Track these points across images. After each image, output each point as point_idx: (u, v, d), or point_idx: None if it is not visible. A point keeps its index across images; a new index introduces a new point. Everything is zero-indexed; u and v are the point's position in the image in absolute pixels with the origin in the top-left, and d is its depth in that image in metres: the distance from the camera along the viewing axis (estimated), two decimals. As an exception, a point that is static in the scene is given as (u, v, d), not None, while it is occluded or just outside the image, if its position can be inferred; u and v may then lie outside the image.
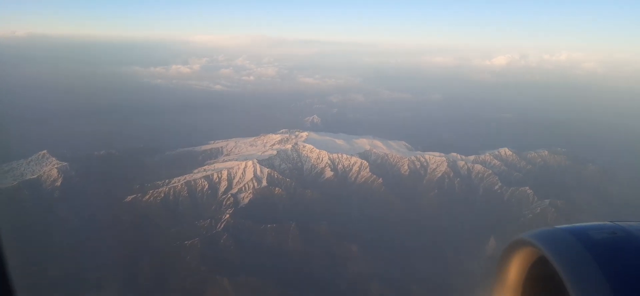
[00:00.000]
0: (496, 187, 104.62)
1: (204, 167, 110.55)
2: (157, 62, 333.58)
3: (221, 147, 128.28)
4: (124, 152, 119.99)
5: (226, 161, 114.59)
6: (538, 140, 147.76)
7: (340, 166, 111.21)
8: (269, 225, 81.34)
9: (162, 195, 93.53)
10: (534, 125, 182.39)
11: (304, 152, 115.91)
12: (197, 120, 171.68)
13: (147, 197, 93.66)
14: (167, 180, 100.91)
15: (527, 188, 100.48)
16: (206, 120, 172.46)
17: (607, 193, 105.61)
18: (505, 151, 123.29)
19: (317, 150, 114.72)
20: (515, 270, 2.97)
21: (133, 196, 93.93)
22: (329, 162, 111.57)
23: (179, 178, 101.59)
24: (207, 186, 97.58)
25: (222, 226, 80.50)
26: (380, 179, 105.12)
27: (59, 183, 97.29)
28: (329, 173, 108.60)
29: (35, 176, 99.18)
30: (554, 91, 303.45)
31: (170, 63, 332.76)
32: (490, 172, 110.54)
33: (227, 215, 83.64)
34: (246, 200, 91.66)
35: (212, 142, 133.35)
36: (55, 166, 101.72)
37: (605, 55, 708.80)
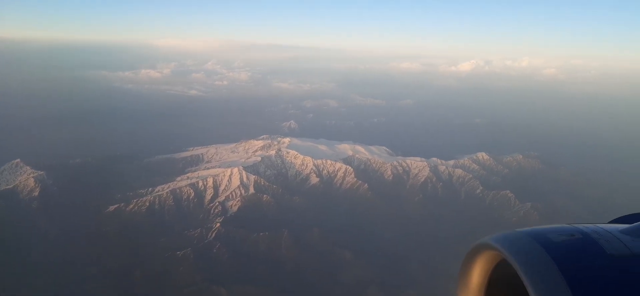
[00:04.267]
0: (478, 191, 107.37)
1: (187, 175, 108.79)
2: (124, 66, 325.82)
3: (201, 154, 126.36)
4: (100, 160, 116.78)
5: (209, 168, 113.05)
6: (509, 144, 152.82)
7: (325, 172, 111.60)
8: (260, 233, 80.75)
9: (147, 204, 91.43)
10: (504, 130, 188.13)
11: (288, 158, 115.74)
12: (174, 126, 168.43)
13: (131, 206, 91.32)
14: (150, 189, 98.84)
15: (508, 191, 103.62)
16: (183, 126, 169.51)
17: (581, 195, 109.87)
18: (482, 155, 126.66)
19: (302, 156, 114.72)
20: (478, 272, 3.07)
21: (116, 206, 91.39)
22: (314, 167, 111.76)
23: (162, 186, 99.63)
24: (193, 194, 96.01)
25: (214, 235, 79.40)
26: (366, 184, 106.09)
27: (36, 193, 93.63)
28: (314, 179, 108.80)
29: (10, 186, 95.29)
30: (519, 96, 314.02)
31: (139, 67, 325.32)
32: (471, 176, 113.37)
33: (218, 224, 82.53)
34: (235, 208, 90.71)
35: (191, 148, 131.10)
36: (31, 175, 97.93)
37: (563, 62, 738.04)
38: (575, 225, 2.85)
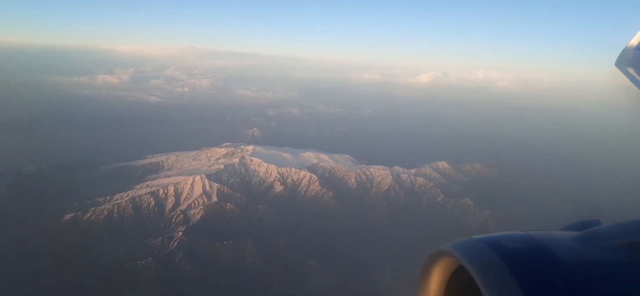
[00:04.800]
0: (439, 199, 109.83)
1: (147, 183, 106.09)
2: (80, 71, 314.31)
3: (161, 162, 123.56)
4: (54, 168, 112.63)
5: (170, 176, 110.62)
6: (468, 153, 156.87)
7: (289, 180, 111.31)
8: (224, 242, 79.50)
9: (105, 213, 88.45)
10: (463, 140, 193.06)
11: (252, 166, 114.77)
12: (132, 133, 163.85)
13: (88, 215, 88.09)
14: (108, 197, 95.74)
15: (468, 199, 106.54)
16: (142, 133, 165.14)
17: (537, 203, 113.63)
18: (442, 164, 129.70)
19: (266, 164, 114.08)
20: (436, 278, 3.15)
21: (72, 214, 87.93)
22: (278, 176, 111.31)
23: (121, 194, 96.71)
24: (153, 202, 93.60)
25: (176, 244, 77.56)
26: (330, 193, 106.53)
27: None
28: (278, 187, 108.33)
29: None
30: (476, 107, 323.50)
31: (95, 73, 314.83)
32: (432, 184, 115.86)
33: (180, 233, 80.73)
34: (197, 217, 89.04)
35: (151, 156, 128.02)
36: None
37: (516, 75, 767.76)
38: (529, 232, 2.99)
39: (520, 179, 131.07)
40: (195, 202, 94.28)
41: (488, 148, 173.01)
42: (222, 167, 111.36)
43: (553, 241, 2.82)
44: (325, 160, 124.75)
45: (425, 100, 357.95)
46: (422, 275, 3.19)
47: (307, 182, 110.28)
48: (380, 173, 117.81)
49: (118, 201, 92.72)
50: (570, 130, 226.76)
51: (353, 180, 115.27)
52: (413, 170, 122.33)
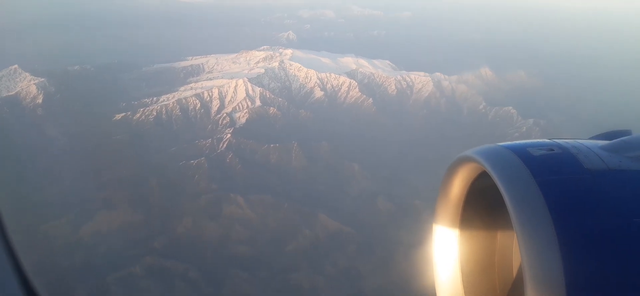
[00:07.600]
0: (481, 107, 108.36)
1: (190, 85, 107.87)
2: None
3: (201, 64, 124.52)
4: (99, 68, 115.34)
5: (212, 79, 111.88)
6: (511, 60, 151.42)
7: (329, 85, 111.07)
8: (271, 145, 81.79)
9: (154, 114, 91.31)
10: (505, 46, 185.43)
11: (291, 71, 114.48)
12: (169, 34, 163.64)
13: (137, 115, 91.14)
14: (154, 98, 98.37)
15: (511, 108, 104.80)
16: (178, 34, 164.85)
17: (581, 112, 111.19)
18: (485, 71, 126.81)
19: (305, 69, 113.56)
20: (458, 184, 3.17)
21: (123, 114, 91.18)
22: (318, 81, 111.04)
23: (167, 95, 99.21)
24: (199, 105, 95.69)
25: (225, 145, 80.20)
26: (370, 99, 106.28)
27: (40, 100, 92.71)
28: (318, 92, 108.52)
29: (12, 93, 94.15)
30: (519, 11, 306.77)
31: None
32: (474, 91, 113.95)
33: (228, 135, 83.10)
34: (243, 120, 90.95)
35: (190, 57, 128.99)
36: (33, 82, 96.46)
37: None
38: (556, 140, 2.93)
39: (566, 88, 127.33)
40: (240, 105, 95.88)
41: (532, 56, 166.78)
42: (262, 70, 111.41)
43: (580, 150, 2.76)
44: (364, 65, 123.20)
45: (467, 3, 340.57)
46: (444, 181, 3.25)
47: (346, 88, 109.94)
48: (421, 80, 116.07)
49: (165, 102, 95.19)
50: (622, 38, 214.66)
51: (393, 87, 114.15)
52: (454, 77, 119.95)
